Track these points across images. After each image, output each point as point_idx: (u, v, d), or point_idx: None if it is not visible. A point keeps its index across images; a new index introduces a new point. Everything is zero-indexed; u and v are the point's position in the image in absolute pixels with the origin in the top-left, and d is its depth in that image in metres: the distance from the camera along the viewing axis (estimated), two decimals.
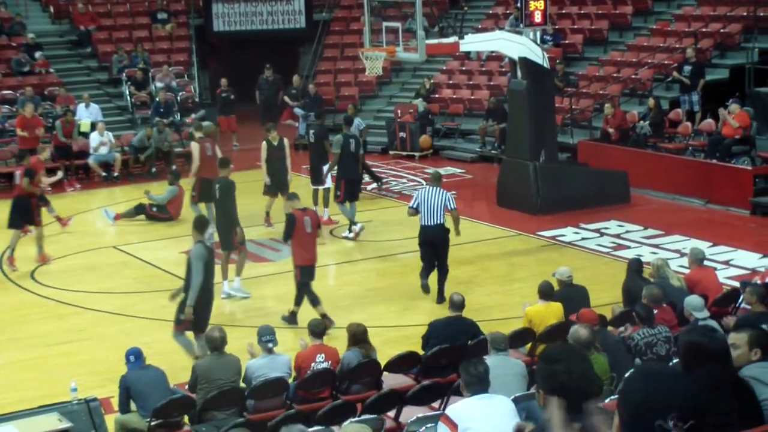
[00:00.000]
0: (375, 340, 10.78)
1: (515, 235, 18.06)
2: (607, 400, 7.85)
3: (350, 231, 18.10)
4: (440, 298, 14.40)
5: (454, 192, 16.73)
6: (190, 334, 12.18)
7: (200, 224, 12.28)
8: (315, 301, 13.61)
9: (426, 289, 14.66)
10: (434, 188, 14.77)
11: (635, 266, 12.27)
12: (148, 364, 10.13)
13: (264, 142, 18.10)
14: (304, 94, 26.50)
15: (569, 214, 18.73)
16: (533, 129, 19.20)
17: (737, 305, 11.38)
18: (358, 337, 10.13)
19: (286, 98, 26.71)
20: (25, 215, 16.78)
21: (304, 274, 13.65)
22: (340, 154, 17.88)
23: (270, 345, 9.97)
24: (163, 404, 9.24)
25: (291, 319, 13.68)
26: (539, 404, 4.32)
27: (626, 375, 3.98)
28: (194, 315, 11.83)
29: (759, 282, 11.87)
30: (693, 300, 10.28)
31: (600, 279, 14.59)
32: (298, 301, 13.71)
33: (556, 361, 4.22)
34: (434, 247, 14.60)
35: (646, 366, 6.22)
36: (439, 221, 14.50)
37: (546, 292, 11.35)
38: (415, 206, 14.70)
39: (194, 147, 17.77)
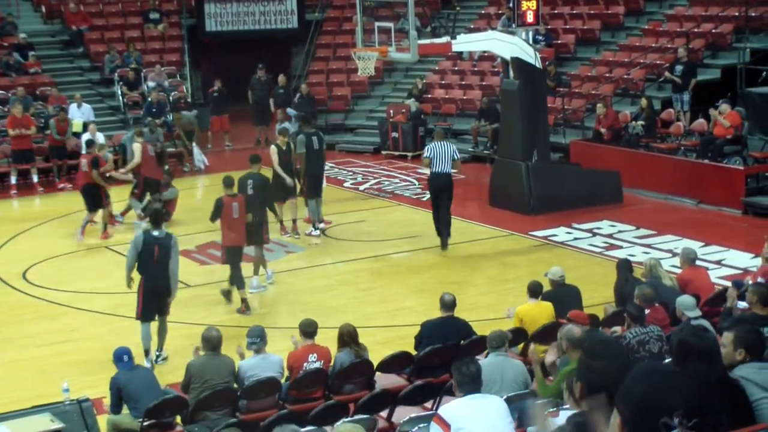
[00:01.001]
0: (367, 340, 10.78)
1: (508, 235, 18.07)
2: None
3: (315, 228, 18.29)
4: (445, 238, 17.22)
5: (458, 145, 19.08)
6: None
7: (155, 216, 12.90)
8: (240, 284, 14.41)
9: (440, 232, 17.35)
10: (442, 142, 17.37)
11: (625, 266, 12.27)
12: (137, 365, 10.11)
13: (273, 146, 18.11)
14: (294, 94, 26.48)
15: (562, 214, 18.75)
16: (525, 129, 19.21)
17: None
18: (346, 338, 10.11)
19: (272, 100, 26.52)
20: (92, 201, 18.26)
21: (230, 254, 14.45)
22: (305, 152, 17.96)
23: (254, 347, 9.95)
24: (156, 404, 9.22)
25: (227, 295, 14.62)
26: (576, 396, 4.30)
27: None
28: (141, 301, 12.44)
29: (750, 281, 11.89)
30: (685, 299, 10.29)
31: (592, 279, 14.61)
32: (232, 281, 14.52)
33: (597, 357, 4.17)
34: (442, 191, 17.18)
35: (647, 364, 6.20)
36: (447, 170, 17.15)
37: (535, 291, 11.36)
38: (430, 156, 17.22)
39: (136, 147, 18.90)
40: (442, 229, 17.17)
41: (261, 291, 15.28)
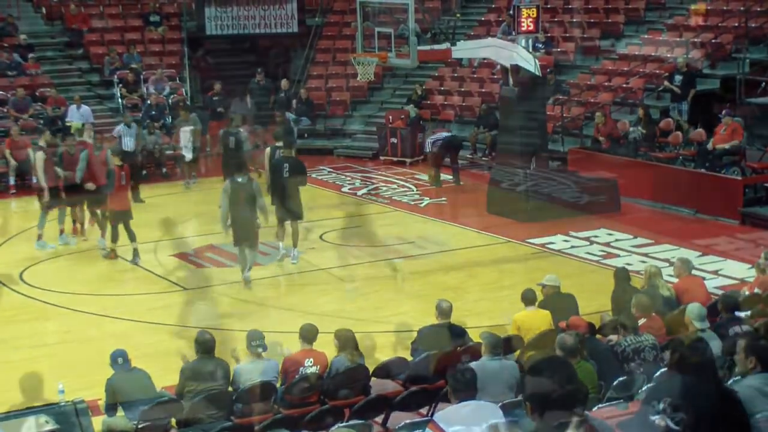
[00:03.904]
0: (363, 345, 10.76)
1: (505, 242, 18.07)
2: (594, 408, 7.86)
3: None
4: (456, 180, 22.50)
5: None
6: None
7: (237, 167, 15.31)
8: (114, 238, 16.70)
9: (438, 183, 22.35)
10: None
11: (623, 275, 12.27)
12: (134, 367, 10.09)
13: (268, 149, 18.14)
14: (294, 98, 26.49)
15: (559, 222, 18.74)
16: (524, 136, 19.21)
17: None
18: (347, 342, 10.10)
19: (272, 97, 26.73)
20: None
21: (116, 216, 16.67)
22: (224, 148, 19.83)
23: (260, 350, 9.95)
24: (151, 407, 9.21)
25: (134, 258, 16.60)
26: (527, 414, 4.32)
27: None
28: (232, 231, 15.09)
29: (747, 292, 11.91)
30: (696, 308, 10.03)
31: (588, 287, 14.58)
32: (132, 238, 16.60)
33: (540, 371, 4.23)
34: (452, 148, 22.53)
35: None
36: (453, 133, 23.15)
37: (529, 298, 11.35)
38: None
39: (38, 156, 17.91)
40: (453, 169, 22.44)
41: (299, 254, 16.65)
